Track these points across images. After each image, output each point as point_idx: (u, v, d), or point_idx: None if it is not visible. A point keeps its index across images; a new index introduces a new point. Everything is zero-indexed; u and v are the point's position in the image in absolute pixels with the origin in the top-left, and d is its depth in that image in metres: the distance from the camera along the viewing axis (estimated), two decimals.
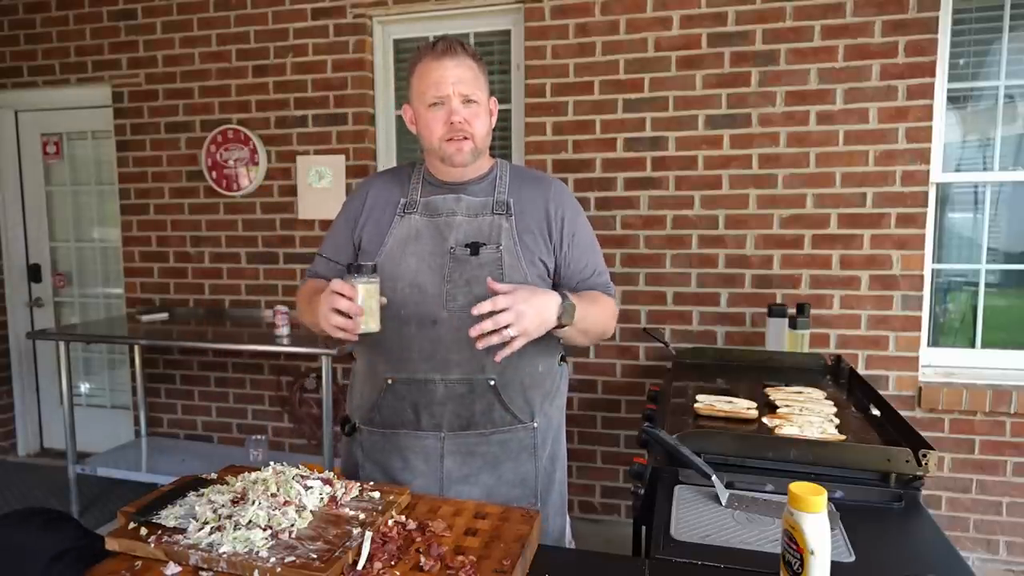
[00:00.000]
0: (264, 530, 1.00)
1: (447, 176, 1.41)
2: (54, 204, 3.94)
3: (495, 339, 1.17)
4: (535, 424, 1.42)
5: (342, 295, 1.17)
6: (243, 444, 3.16)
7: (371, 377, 1.42)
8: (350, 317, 1.19)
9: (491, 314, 1.16)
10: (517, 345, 1.18)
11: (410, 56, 1.39)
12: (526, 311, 1.17)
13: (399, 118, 3.31)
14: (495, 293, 1.18)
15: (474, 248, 1.35)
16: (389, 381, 1.38)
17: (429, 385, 1.36)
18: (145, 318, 3.32)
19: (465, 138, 1.33)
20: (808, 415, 1.60)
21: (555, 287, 1.44)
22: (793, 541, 0.90)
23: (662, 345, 2.72)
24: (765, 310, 2.59)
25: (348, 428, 1.48)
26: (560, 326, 1.25)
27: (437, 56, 1.31)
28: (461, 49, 1.33)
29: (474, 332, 1.17)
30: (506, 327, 1.15)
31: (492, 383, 1.36)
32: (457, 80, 1.30)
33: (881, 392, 2.13)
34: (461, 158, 1.34)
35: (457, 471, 1.38)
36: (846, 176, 2.67)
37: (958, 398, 2.60)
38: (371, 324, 1.22)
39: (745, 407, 1.66)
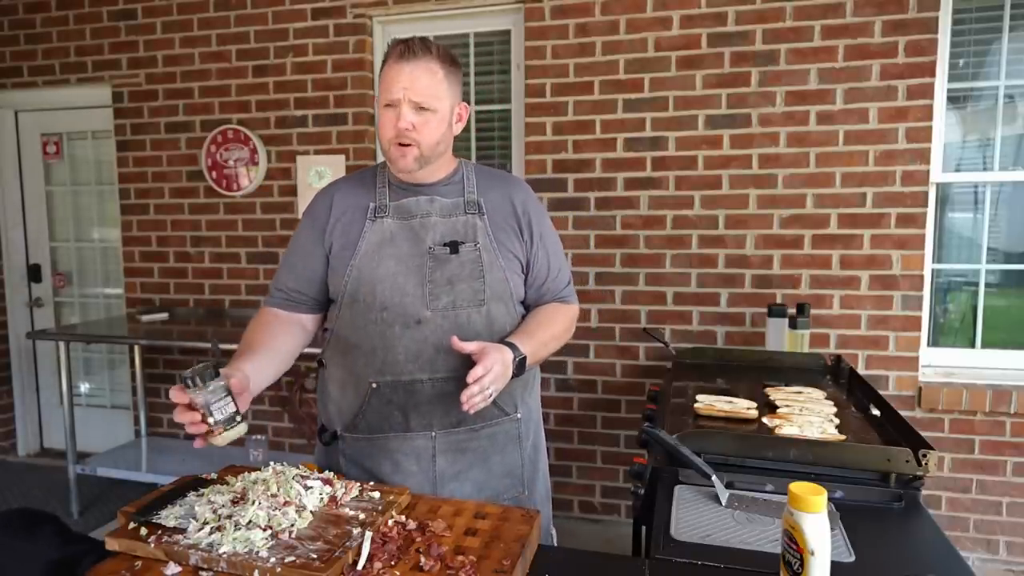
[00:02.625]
0: (264, 530, 1.00)
1: (412, 178, 1.39)
2: (54, 204, 3.94)
3: (481, 404, 1.22)
4: (519, 415, 1.45)
5: (180, 403, 1.07)
6: (243, 444, 3.16)
7: (352, 383, 1.39)
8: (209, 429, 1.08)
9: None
10: (490, 400, 1.24)
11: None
12: (501, 372, 1.23)
13: None
14: (463, 351, 1.25)
15: (453, 247, 1.35)
16: (374, 385, 1.36)
17: (416, 386, 1.35)
18: (145, 318, 3.32)
19: (410, 144, 1.30)
20: (808, 415, 1.60)
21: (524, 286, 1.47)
22: (793, 541, 0.90)
23: (662, 345, 2.72)
24: (765, 310, 2.59)
25: (327, 437, 1.44)
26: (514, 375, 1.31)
27: (396, 58, 1.29)
28: (423, 52, 1.28)
29: (467, 407, 1.20)
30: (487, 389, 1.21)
31: None
32: (409, 86, 1.27)
33: (881, 392, 2.13)
34: (404, 164, 1.32)
35: (449, 468, 1.38)
36: (846, 176, 2.67)
37: (958, 398, 2.60)
38: (228, 433, 1.08)
39: (745, 407, 1.66)
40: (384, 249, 1.35)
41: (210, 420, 1.06)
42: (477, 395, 1.19)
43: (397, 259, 1.35)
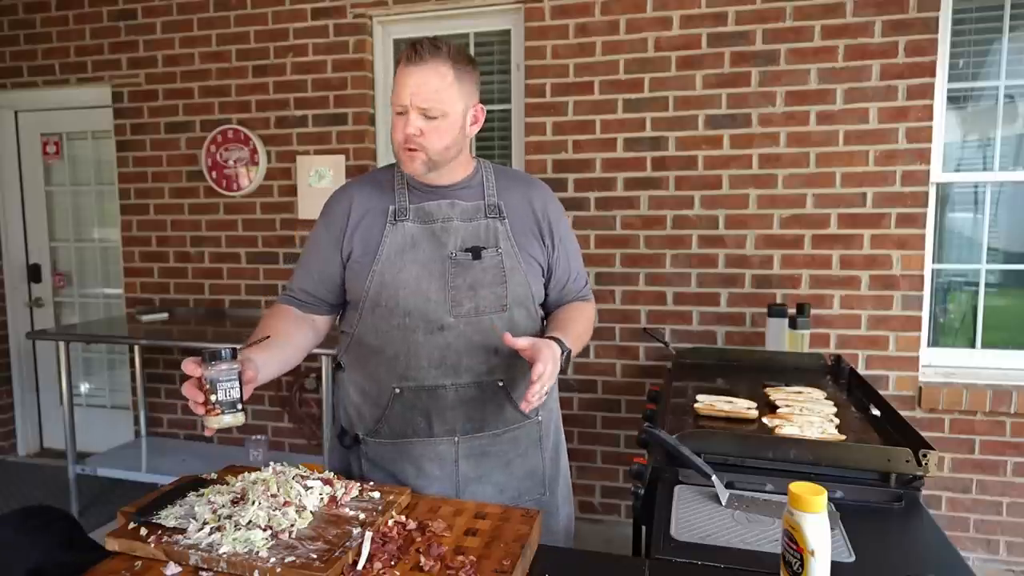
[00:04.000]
0: (264, 530, 1.00)
1: (429, 180, 1.38)
2: (54, 204, 3.94)
3: (538, 402, 1.21)
4: (539, 418, 1.45)
5: (191, 376, 1.08)
6: (243, 444, 3.17)
7: (373, 388, 1.39)
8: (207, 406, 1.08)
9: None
10: (545, 398, 1.23)
11: None
12: (554, 370, 1.22)
13: None
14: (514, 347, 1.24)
15: (476, 252, 1.34)
16: (397, 391, 1.35)
17: (439, 391, 1.35)
18: (145, 318, 3.32)
19: (416, 150, 1.28)
20: (808, 415, 1.60)
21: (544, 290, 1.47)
22: (793, 541, 0.90)
23: (662, 345, 2.73)
24: (765, 310, 2.59)
25: (348, 440, 1.43)
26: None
27: (406, 62, 1.26)
28: (431, 54, 1.24)
29: (527, 406, 1.20)
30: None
31: (501, 384, 1.37)
32: (416, 91, 1.24)
33: (881, 392, 2.14)
34: (411, 168, 1.31)
35: (472, 472, 1.38)
36: (846, 176, 2.67)
37: (958, 398, 2.60)
38: (226, 417, 1.08)
39: (745, 407, 1.66)
40: (406, 254, 1.34)
41: (212, 398, 1.07)
42: (538, 393, 1.18)
43: (419, 264, 1.33)
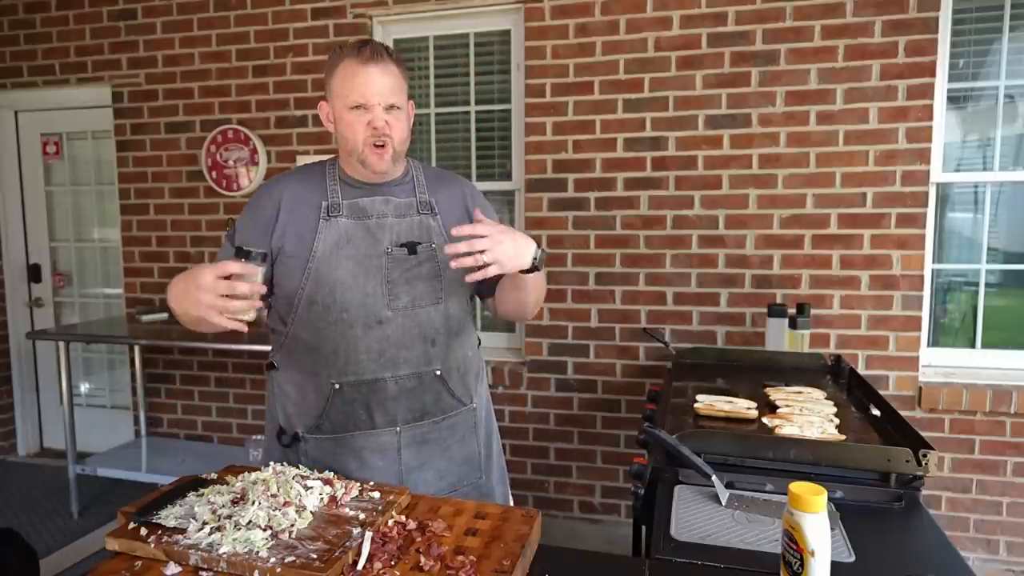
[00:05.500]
0: (264, 530, 1.00)
1: (367, 177, 1.40)
2: (54, 204, 3.94)
3: (468, 261, 1.21)
4: (474, 405, 1.50)
5: (237, 274, 1.12)
6: (243, 444, 3.17)
7: (312, 385, 1.39)
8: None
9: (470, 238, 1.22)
10: (490, 272, 1.22)
11: (331, 55, 1.37)
12: (504, 240, 1.22)
13: None
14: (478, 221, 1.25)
15: (411, 248, 1.38)
16: (336, 386, 1.37)
17: (379, 383, 1.37)
18: (145, 318, 3.32)
19: (383, 145, 1.33)
20: (808, 415, 1.61)
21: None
22: (793, 541, 0.90)
23: (662, 345, 2.73)
24: (765, 310, 2.59)
25: (287, 439, 1.42)
26: (532, 269, 1.29)
27: (363, 61, 1.30)
28: (387, 55, 1.33)
29: (449, 250, 1.21)
30: (481, 252, 1.20)
31: (438, 373, 1.42)
32: (380, 89, 1.31)
33: (881, 392, 2.13)
34: (381, 165, 1.35)
35: (414, 460, 1.41)
36: (846, 176, 2.67)
37: (958, 398, 2.60)
38: (253, 312, 1.18)
39: (745, 407, 1.66)
40: (341, 250, 1.35)
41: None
42: (464, 252, 1.20)
43: (355, 260, 1.35)
